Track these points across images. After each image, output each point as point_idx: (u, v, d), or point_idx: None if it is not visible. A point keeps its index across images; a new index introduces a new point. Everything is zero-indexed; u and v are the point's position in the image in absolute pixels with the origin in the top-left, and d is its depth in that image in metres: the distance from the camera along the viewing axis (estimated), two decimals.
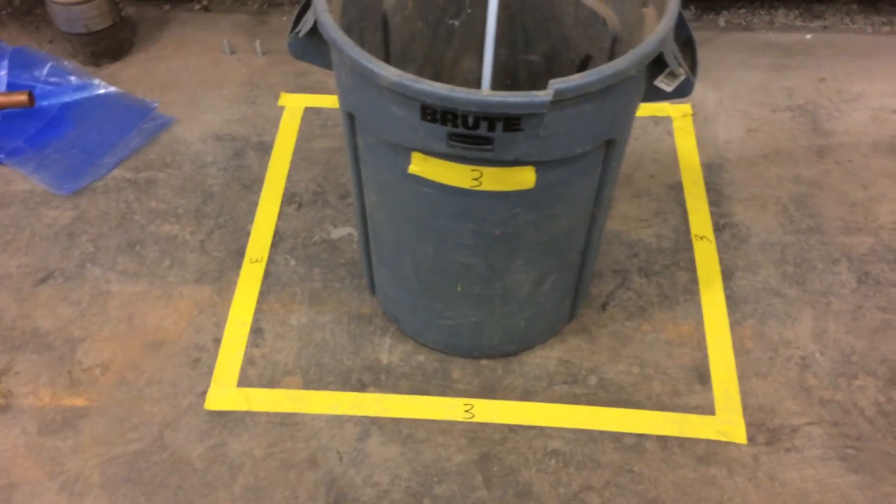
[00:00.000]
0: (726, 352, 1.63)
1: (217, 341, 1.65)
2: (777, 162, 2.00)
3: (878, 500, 1.44)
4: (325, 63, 1.31)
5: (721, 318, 1.68)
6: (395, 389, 1.58)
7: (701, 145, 2.03)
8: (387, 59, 1.53)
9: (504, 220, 1.30)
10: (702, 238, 1.83)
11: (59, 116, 2.08)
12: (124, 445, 1.51)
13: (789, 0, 2.40)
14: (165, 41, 2.33)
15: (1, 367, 1.62)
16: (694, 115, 2.11)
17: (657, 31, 1.15)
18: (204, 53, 2.30)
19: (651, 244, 1.82)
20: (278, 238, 1.83)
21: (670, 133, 2.06)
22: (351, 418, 1.54)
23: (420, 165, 1.22)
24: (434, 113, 1.11)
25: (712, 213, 1.87)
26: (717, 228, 1.85)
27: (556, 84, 1.07)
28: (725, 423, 1.53)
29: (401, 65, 1.52)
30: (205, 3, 2.45)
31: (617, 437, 1.51)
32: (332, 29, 1.17)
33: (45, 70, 2.15)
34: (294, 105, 2.14)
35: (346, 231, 1.85)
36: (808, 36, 2.36)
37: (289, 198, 1.91)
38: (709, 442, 1.51)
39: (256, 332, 1.67)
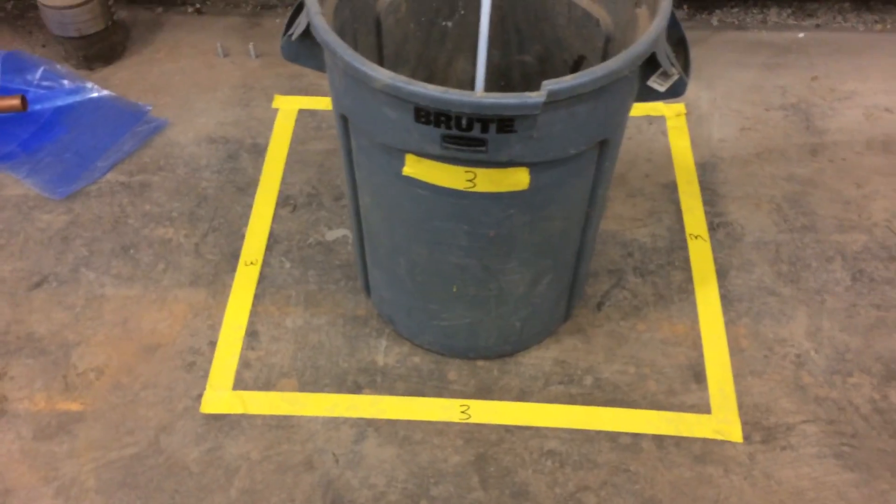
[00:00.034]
0: (721, 350, 1.63)
1: (212, 344, 1.65)
2: (771, 160, 2.00)
3: (874, 498, 1.44)
4: (319, 65, 1.31)
5: (716, 317, 1.69)
6: (391, 391, 1.58)
7: (695, 144, 2.03)
8: (380, 61, 1.53)
9: (498, 222, 1.30)
10: (696, 237, 1.83)
11: (52, 120, 2.08)
12: (120, 450, 1.51)
13: None
14: (158, 44, 2.33)
15: None
16: (688, 114, 2.11)
17: (650, 31, 1.15)
18: (197, 56, 2.29)
19: (646, 244, 1.82)
20: (273, 240, 1.83)
21: (664, 132, 2.06)
22: (347, 420, 1.54)
23: (414, 167, 1.22)
24: (427, 115, 1.11)
25: (707, 213, 1.88)
26: (712, 227, 1.85)
27: (549, 85, 1.07)
28: (721, 421, 1.53)
29: (394, 67, 1.52)
30: (198, 5, 2.45)
31: (613, 437, 1.52)
32: (325, 31, 1.17)
33: (38, 74, 2.15)
34: (288, 107, 2.14)
35: (340, 233, 1.84)
36: (801, 34, 2.36)
37: (283, 200, 1.91)
38: (705, 441, 1.51)
39: (252, 334, 1.67)
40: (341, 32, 1.31)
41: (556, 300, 1.57)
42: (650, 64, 1.19)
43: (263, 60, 2.28)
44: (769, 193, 1.93)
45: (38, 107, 2.09)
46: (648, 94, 1.24)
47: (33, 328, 1.68)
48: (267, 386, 1.59)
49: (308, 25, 1.21)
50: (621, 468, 1.48)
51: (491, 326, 1.55)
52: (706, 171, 1.97)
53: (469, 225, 1.30)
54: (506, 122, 1.10)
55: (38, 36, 2.34)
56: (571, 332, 1.67)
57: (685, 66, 1.26)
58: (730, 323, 1.68)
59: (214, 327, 1.68)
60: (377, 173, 1.32)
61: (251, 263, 1.78)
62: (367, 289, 1.69)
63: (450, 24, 1.57)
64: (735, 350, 1.64)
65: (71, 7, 2.10)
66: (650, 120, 2.09)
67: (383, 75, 1.09)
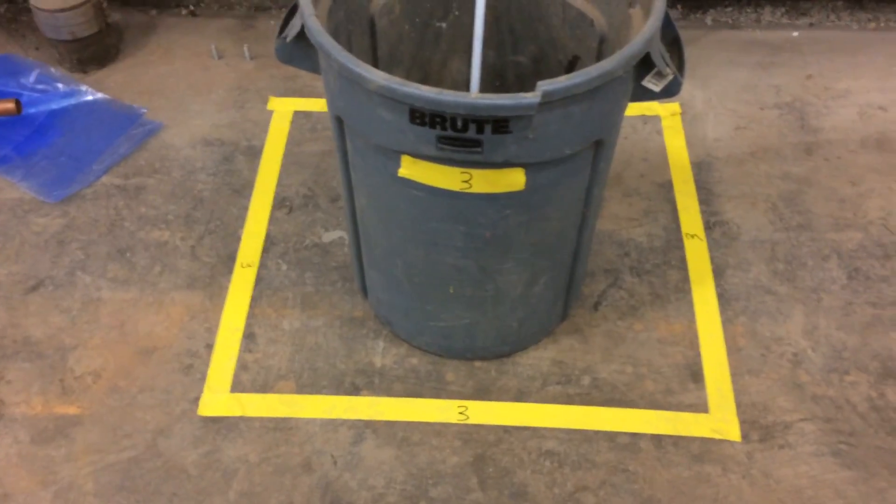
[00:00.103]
0: (719, 350, 1.64)
1: (209, 347, 1.65)
2: (766, 159, 2.01)
3: (872, 496, 1.44)
4: (313, 67, 1.31)
5: (713, 316, 1.69)
6: (389, 392, 1.58)
7: (690, 144, 2.04)
8: (374, 62, 1.53)
9: (495, 222, 1.30)
10: (692, 236, 1.83)
11: (46, 124, 2.08)
12: (118, 453, 1.50)
13: None
14: (152, 47, 2.33)
15: None
16: (682, 113, 2.12)
17: (644, 31, 1.15)
18: (191, 58, 2.29)
19: (642, 243, 1.82)
20: (269, 242, 1.83)
21: (659, 132, 2.07)
22: (345, 422, 1.54)
23: (409, 168, 1.22)
24: (423, 116, 1.11)
25: (702, 212, 1.88)
26: (708, 226, 1.86)
27: (543, 86, 1.07)
28: (719, 420, 1.54)
29: (388, 68, 1.52)
30: (191, 7, 2.45)
31: (611, 437, 1.52)
32: (320, 33, 1.17)
33: (32, 77, 2.15)
34: (283, 109, 2.14)
35: (337, 235, 1.84)
36: (795, 33, 2.37)
37: (279, 202, 1.91)
38: (703, 440, 1.51)
39: (249, 337, 1.67)
40: (335, 34, 1.31)
41: (553, 300, 1.57)
42: (645, 64, 1.19)
43: (258, 62, 2.27)
44: (764, 192, 1.93)
45: (32, 110, 2.09)
46: (643, 94, 1.24)
47: (30, 332, 1.68)
48: (264, 388, 1.59)
49: (302, 27, 1.21)
50: (620, 468, 1.48)
51: (488, 327, 1.55)
52: (702, 171, 1.98)
53: (465, 226, 1.30)
54: (501, 123, 1.11)
55: (31, 39, 2.33)
56: (569, 333, 1.67)
57: (680, 66, 1.26)
58: (727, 322, 1.68)
59: (211, 330, 1.67)
60: (373, 175, 1.32)
61: (248, 266, 1.78)
62: (364, 290, 1.69)
63: (444, 24, 1.58)
64: (732, 349, 1.64)
65: (64, 10, 2.10)
66: (645, 119, 2.10)
67: (378, 77, 1.09)
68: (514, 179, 1.22)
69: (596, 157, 1.30)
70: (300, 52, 1.29)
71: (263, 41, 2.32)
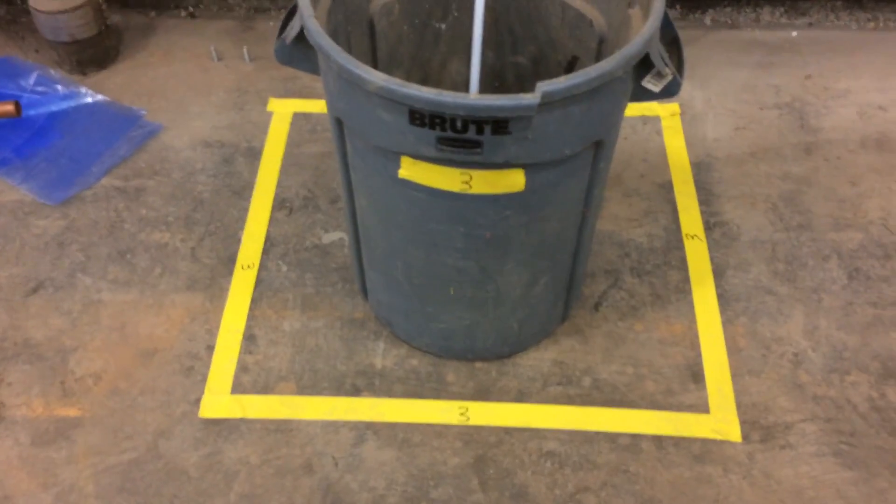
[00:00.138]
0: (719, 350, 1.64)
1: (210, 349, 1.65)
2: (765, 159, 2.01)
3: (873, 496, 1.44)
4: (313, 68, 1.31)
5: (713, 317, 1.69)
6: (390, 394, 1.58)
7: (690, 144, 2.04)
8: (374, 63, 1.53)
9: (495, 223, 1.30)
10: (693, 237, 1.83)
11: (46, 126, 2.08)
12: (118, 455, 1.50)
13: None
14: (152, 48, 2.33)
15: None
16: (682, 114, 2.12)
17: (643, 31, 1.15)
18: (191, 60, 2.29)
19: (642, 244, 1.82)
20: (269, 244, 1.83)
21: (659, 132, 2.07)
22: (346, 423, 1.54)
23: (409, 170, 1.22)
24: (422, 117, 1.11)
25: (702, 212, 1.88)
26: (708, 227, 1.86)
27: (543, 86, 1.07)
28: (720, 421, 1.53)
29: (388, 69, 1.52)
30: (191, 9, 2.45)
31: (612, 438, 1.52)
32: (319, 35, 1.17)
33: (32, 79, 2.15)
34: (283, 110, 2.14)
35: (337, 236, 1.84)
36: (794, 33, 2.37)
37: (279, 203, 1.91)
38: (704, 441, 1.51)
39: (249, 338, 1.67)
40: (335, 35, 1.31)
41: (553, 301, 1.57)
42: (644, 64, 1.19)
43: (257, 64, 2.27)
44: (764, 192, 1.93)
45: (32, 112, 2.09)
46: (643, 95, 1.24)
47: (30, 334, 1.68)
48: (265, 390, 1.59)
49: (302, 29, 1.21)
50: (621, 469, 1.48)
51: (489, 328, 1.55)
52: (701, 171, 1.98)
53: (465, 227, 1.30)
54: (501, 124, 1.11)
55: (31, 41, 2.33)
56: (569, 333, 1.67)
57: (679, 66, 1.27)
58: (727, 322, 1.68)
59: (212, 331, 1.67)
60: (373, 176, 1.32)
61: (248, 267, 1.78)
62: (365, 291, 1.69)
63: (443, 25, 1.58)
64: (733, 349, 1.64)
65: (64, 12, 2.10)
66: (645, 120, 2.10)
67: (377, 78, 1.09)
68: (513, 180, 1.22)
69: (596, 157, 1.30)
70: (300, 53, 1.29)
71: (263, 43, 2.32)
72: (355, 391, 1.58)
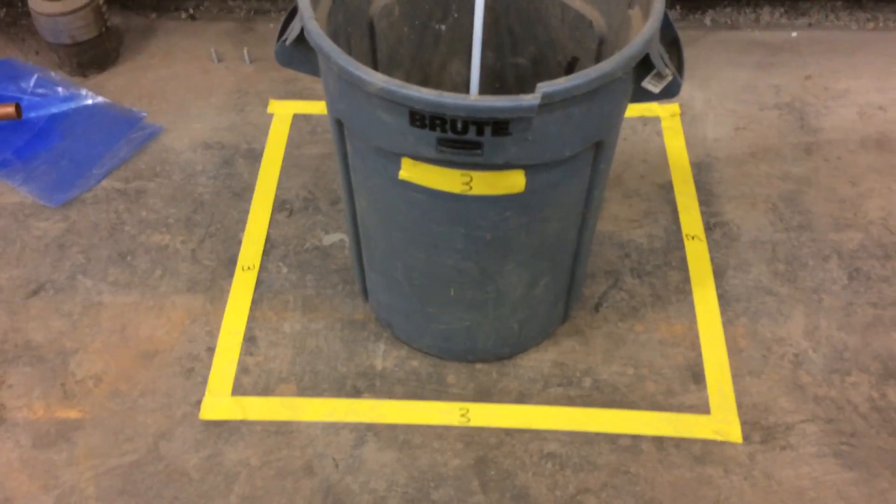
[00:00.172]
0: (720, 351, 1.64)
1: (210, 350, 1.65)
2: (765, 160, 2.01)
3: (874, 496, 1.44)
4: (313, 70, 1.31)
5: (714, 318, 1.69)
6: (390, 395, 1.58)
7: (690, 144, 2.04)
8: (374, 64, 1.53)
9: (495, 224, 1.30)
10: (693, 237, 1.83)
11: (46, 128, 2.08)
12: (119, 457, 1.50)
13: None
14: (152, 50, 2.33)
15: None
16: (682, 114, 2.12)
17: (643, 32, 1.15)
18: (191, 62, 2.29)
19: (642, 244, 1.82)
20: (270, 245, 1.83)
21: (659, 133, 2.07)
22: (346, 425, 1.54)
23: (410, 171, 1.22)
24: (423, 118, 1.11)
25: (703, 213, 1.88)
26: (708, 227, 1.85)
27: (543, 87, 1.07)
28: (720, 422, 1.53)
29: (388, 70, 1.53)
30: (191, 11, 2.45)
31: (612, 439, 1.52)
32: (319, 36, 1.17)
33: (32, 81, 2.15)
34: (283, 112, 2.14)
35: (337, 237, 1.84)
36: (794, 34, 2.37)
37: (280, 205, 1.91)
38: (704, 441, 1.51)
39: (250, 340, 1.67)
40: (335, 37, 1.31)
41: (553, 302, 1.57)
42: (644, 65, 1.19)
43: (258, 65, 2.28)
44: (764, 193, 1.93)
45: (32, 114, 2.09)
46: (643, 95, 1.24)
47: (31, 336, 1.68)
48: (266, 391, 1.59)
49: (302, 30, 1.22)
50: (621, 470, 1.48)
51: (489, 329, 1.55)
52: (701, 171, 1.98)
53: (466, 228, 1.30)
54: (501, 125, 1.11)
55: (31, 43, 2.33)
56: (569, 334, 1.67)
57: (679, 67, 1.27)
58: (728, 323, 1.68)
59: (212, 333, 1.67)
60: (373, 177, 1.32)
61: (248, 269, 1.78)
62: (365, 293, 1.69)
63: (443, 27, 1.58)
64: (733, 350, 1.64)
65: (64, 14, 2.10)
66: (645, 121, 2.10)
67: (377, 79, 1.09)
68: (514, 181, 1.22)
69: (596, 158, 1.30)
70: (300, 55, 1.29)
71: (263, 44, 2.33)
72: (356, 392, 1.58)
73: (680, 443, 1.51)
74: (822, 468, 1.48)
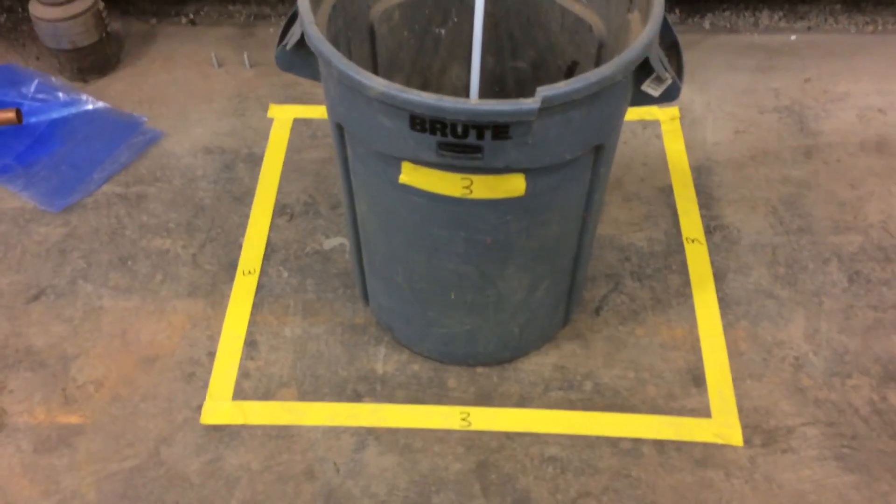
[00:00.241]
0: (720, 354, 1.64)
1: (211, 355, 1.65)
2: (765, 163, 2.01)
3: (875, 500, 1.44)
4: (313, 74, 1.31)
5: (714, 321, 1.69)
6: (391, 399, 1.58)
7: (689, 148, 2.04)
8: (374, 69, 1.54)
9: (495, 228, 1.30)
10: (693, 241, 1.83)
11: (47, 133, 2.08)
12: (120, 462, 1.50)
13: (773, 1, 2.42)
14: (153, 55, 2.33)
15: None
16: (682, 117, 2.12)
17: (642, 36, 1.16)
18: (192, 67, 2.30)
19: (643, 248, 1.82)
20: (270, 250, 1.83)
21: (659, 136, 2.07)
22: (347, 429, 1.54)
23: (410, 175, 1.23)
24: (423, 122, 1.11)
25: (703, 216, 1.88)
26: (708, 231, 1.86)
27: (543, 91, 1.07)
28: (721, 425, 1.53)
29: (388, 74, 1.53)
30: (191, 16, 2.45)
31: (614, 442, 1.52)
32: (319, 41, 1.17)
33: (33, 87, 2.15)
34: (283, 116, 2.14)
35: (338, 241, 1.85)
36: (793, 37, 2.37)
37: (280, 209, 1.91)
38: (705, 445, 1.51)
39: (251, 344, 1.67)
40: (335, 41, 1.31)
41: (554, 306, 1.57)
42: (643, 69, 1.19)
43: (258, 70, 2.28)
44: (764, 196, 1.93)
45: (33, 119, 2.09)
46: (642, 99, 1.24)
47: (32, 341, 1.68)
48: (267, 396, 1.59)
49: (302, 35, 1.22)
50: (622, 473, 1.48)
51: (490, 333, 1.55)
52: (701, 175, 1.98)
53: (466, 232, 1.31)
54: (501, 129, 1.11)
55: (31, 48, 2.34)
56: (570, 338, 1.67)
57: (678, 71, 1.27)
58: (728, 326, 1.68)
59: (213, 338, 1.67)
60: (373, 181, 1.32)
61: (249, 273, 1.78)
62: (366, 297, 1.69)
63: (443, 31, 1.58)
64: (734, 353, 1.64)
65: (64, 19, 2.10)
66: (645, 124, 2.10)
67: (377, 83, 1.10)
68: (514, 185, 1.22)
69: (596, 162, 1.30)
70: (300, 59, 1.29)
71: (263, 49, 2.33)
72: (356, 397, 1.58)
73: (681, 446, 1.51)
74: (823, 471, 1.48)
